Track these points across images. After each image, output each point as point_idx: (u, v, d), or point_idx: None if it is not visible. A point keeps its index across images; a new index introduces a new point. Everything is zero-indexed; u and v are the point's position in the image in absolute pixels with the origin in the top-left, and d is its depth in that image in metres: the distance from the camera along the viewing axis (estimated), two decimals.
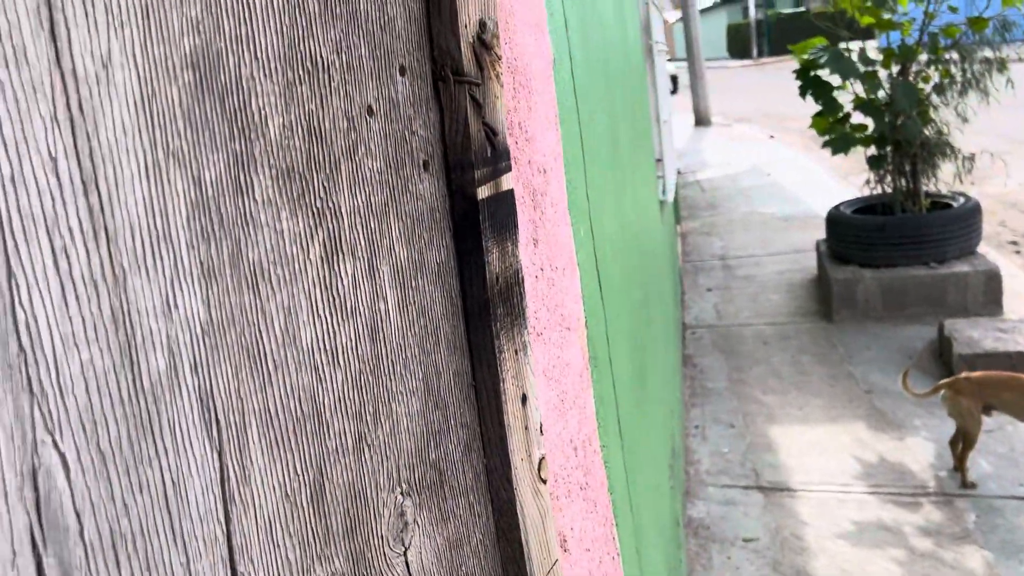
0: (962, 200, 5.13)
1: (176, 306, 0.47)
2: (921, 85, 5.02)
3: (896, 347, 4.53)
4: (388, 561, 0.64)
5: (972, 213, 4.97)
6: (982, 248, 5.21)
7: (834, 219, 5.25)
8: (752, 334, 5.04)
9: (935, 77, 5.00)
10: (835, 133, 5.10)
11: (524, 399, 0.81)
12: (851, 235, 5.05)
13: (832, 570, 2.79)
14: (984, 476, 3.24)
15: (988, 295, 4.73)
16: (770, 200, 8.61)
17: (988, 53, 4.79)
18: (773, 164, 10.64)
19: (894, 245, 4.91)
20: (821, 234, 5.70)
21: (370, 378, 0.64)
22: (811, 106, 5.29)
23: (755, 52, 39.02)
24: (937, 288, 4.79)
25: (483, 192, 0.75)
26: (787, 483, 3.36)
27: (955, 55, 4.86)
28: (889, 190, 5.24)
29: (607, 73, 1.69)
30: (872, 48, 5.41)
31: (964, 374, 3.30)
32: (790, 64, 5.20)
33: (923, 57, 5.04)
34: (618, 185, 1.75)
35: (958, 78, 4.85)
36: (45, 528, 0.40)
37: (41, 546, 0.40)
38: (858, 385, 4.16)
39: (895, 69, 5.05)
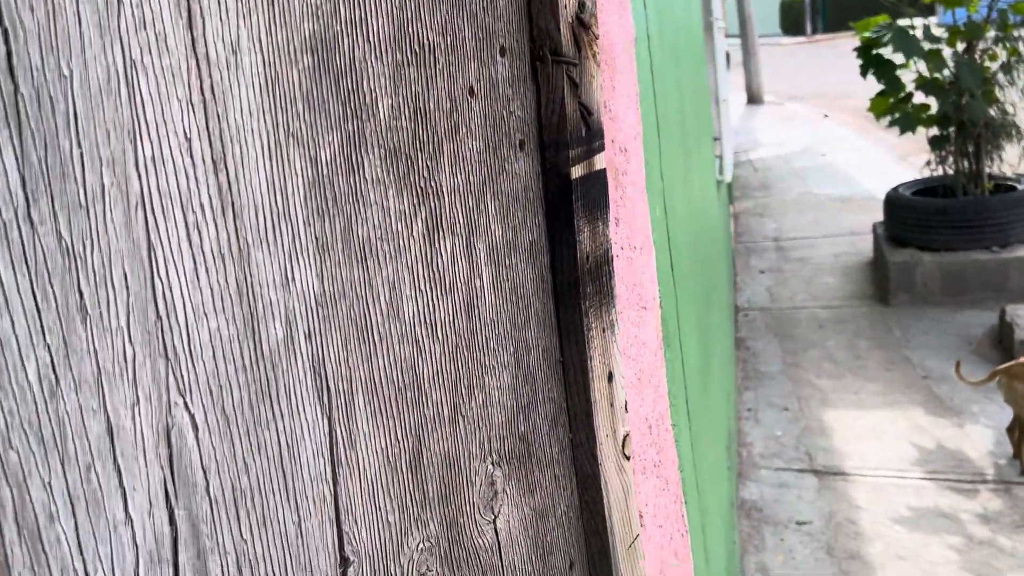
0: None
1: (293, 279, 0.49)
2: (987, 64, 4.87)
3: (955, 332, 4.43)
4: (479, 528, 0.66)
5: None
6: None
7: (893, 201, 5.14)
8: (806, 317, 4.97)
9: (1002, 56, 4.83)
10: (898, 112, 4.97)
11: (611, 376, 0.82)
12: (910, 217, 4.94)
13: (888, 556, 2.76)
14: None
15: None
16: (825, 181, 8.45)
17: None
18: (827, 144, 10.42)
19: (955, 228, 4.78)
20: (878, 216, 5.58)
21: (465, 352, 0.66)
22: (868, 85, 5.17)
23: (809, 29, 38.07)
24: (999, 272, 4.67)
25: (577, 171, 0.75)
26: (841, 467, 3.33)
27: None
28: (951, 172, 5.10)
29: (676, 51, 1.68)
30: (935, 25, 5.25)
31: (1019, 360, 3.23)
32: (845, 41, 5.09)
33: (990, 35, 4.87)
34: (686, 165, 1.75)
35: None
36: (177, 483, 0.43)
37: (173, 499, 0.42)
38: (915, 370, 4.08)
39: (960, 47, 4.90)
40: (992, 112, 4.92)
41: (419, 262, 0.61)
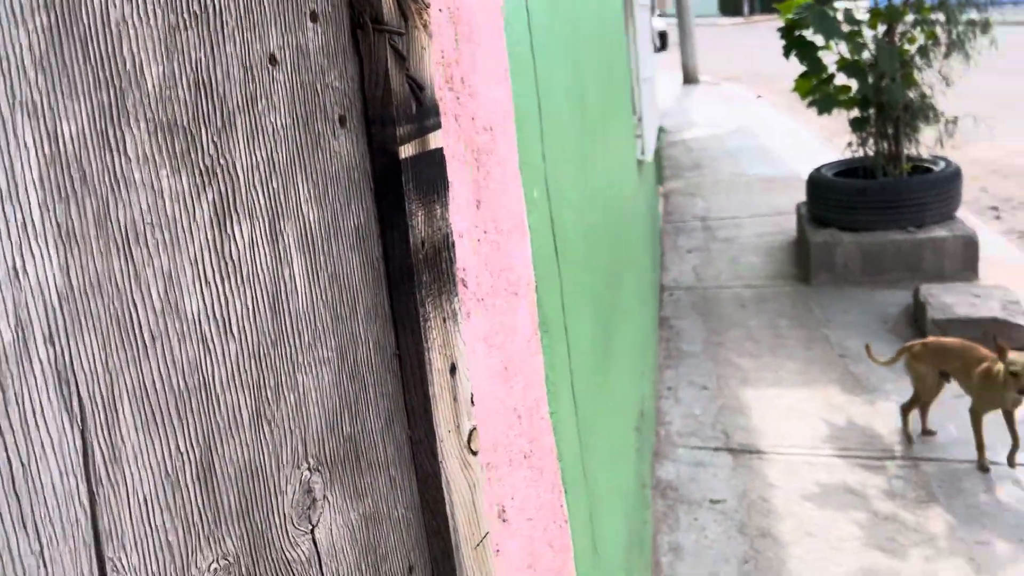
0: (943, 165, 5.10)
1: (25, 271, 0.43)
2: (906, 47, 4.96)
3: (873, 311, 4.53)
4: (292, 540, 0.61)
5: (952, 178, 4.94)
6: (962, 213, 5.20)
7: (815, 182, 5.22)
8: (730, 296, 5.03)
9: (920, 39, 4.93)
10: (819, 93, 5.04)
11: (453, 369, 0.78)
12: (831, 198, 5.03)
13: (797, 532, 2.81)
14: (952, 441, 3.26)
15: (965, 261, 4.74)
16: (755, 161, 8.56)
17: (974, 14, 4.72)
18: (760, 124, 10.57)
19: (874, 209, 4.89)
20: (803, 196, 5.67)
21: (270, 349, 0.60)
22: (798, 66, 5.22)
23: (746, 9, 38.54)
24: (915, 253, 4.79)
25: (407, 150, 0.70)
26: (757, 446, 3.38)
27: (941, 16, 4.78)
28: (871, 153, 5.20)
29: (575, 27, 1.63)
30: (862, 8, 5.32)
31: (922, 340, 3.32)
32: (780, 23, 5.11)
33: (909, 18, 4.96)
34: (584, 144, 1.70)
35: (943, 40, 4.78)
36: None
37: None
38: (833, 349, 4.17)
39: (881, 30, 4.98)
40: (911, 95, 5.02)
41: (206, 250, 0.55)
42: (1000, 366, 2.93)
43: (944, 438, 3.28)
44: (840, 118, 5.83)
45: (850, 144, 5.35)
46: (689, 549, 2.78)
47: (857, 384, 3.80)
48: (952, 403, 3.52)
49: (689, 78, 16.10)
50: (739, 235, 6.15)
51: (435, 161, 0.74)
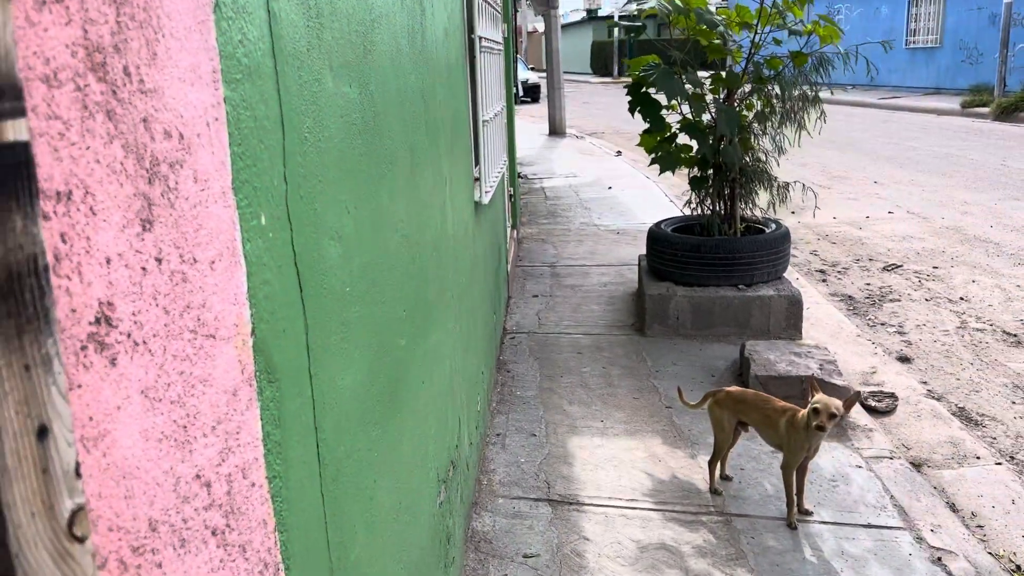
0: (773, 227, 5.33)
1: None
2: (744, 112, 5.18)
3: (701, 364, 4.62)
4: None
5: (781, 240, 5.17)
6: (793, 275, 5.45)
7: (654, 236, 5.33)
8: (568, 343, 5.02)
9: (757, 106, 5.17)
10: (662, 151, 5.18)
11: (43, 432, 0.60)
12: (668, 252, 5.14)
13: None
14: (765, 497, 3.31)
15: (789, 319, 4.93)
16: (607, 213, 8.76)
17: (806, 88, 5.00)
18: (616, 178, 10.87)
19: (708, 265, 5.03)
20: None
21: None
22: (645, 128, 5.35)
23: (616, 70, 40.22)
24: (744, 310, 4.95)
25: None
26: (577, 496, 3.30)
27: (776, 88, 5.03)
28: (709, 212, 5.37)
29: (364, 47, 1.50)
30: (705, 73, 5.54)
31: (726, 388, 3.40)
32: (624, 85, 5.24)
33: (748, 87, 5.20)
34: (373, 177, 1.57)
35: (778, 109, 5.03)
36: None
37: None
38: (661, 399, 4.20)
39: (722, 95, 5.19)
40: (747, 159, 5.24)
41: None
42: (803, 412, 3.02)
43: (757, 495, 3.33)
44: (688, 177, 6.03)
45: (689, 202, 5.51)
46: None
47: (680, 436, 3.82)
48: (768, 458, 3.59)
49: (555, 130, 16.48)
50: (584, 283, 6.20)
51: (12, 157, 0.57)
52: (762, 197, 5.44)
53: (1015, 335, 5.19)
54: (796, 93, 5.05)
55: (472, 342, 3.34)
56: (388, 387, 1.66)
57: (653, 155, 5.26)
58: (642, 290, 5.23)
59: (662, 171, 5.27)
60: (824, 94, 5.06)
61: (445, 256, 2.58)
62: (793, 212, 7.17)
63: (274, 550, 1.02)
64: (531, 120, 19.54)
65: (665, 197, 9.39)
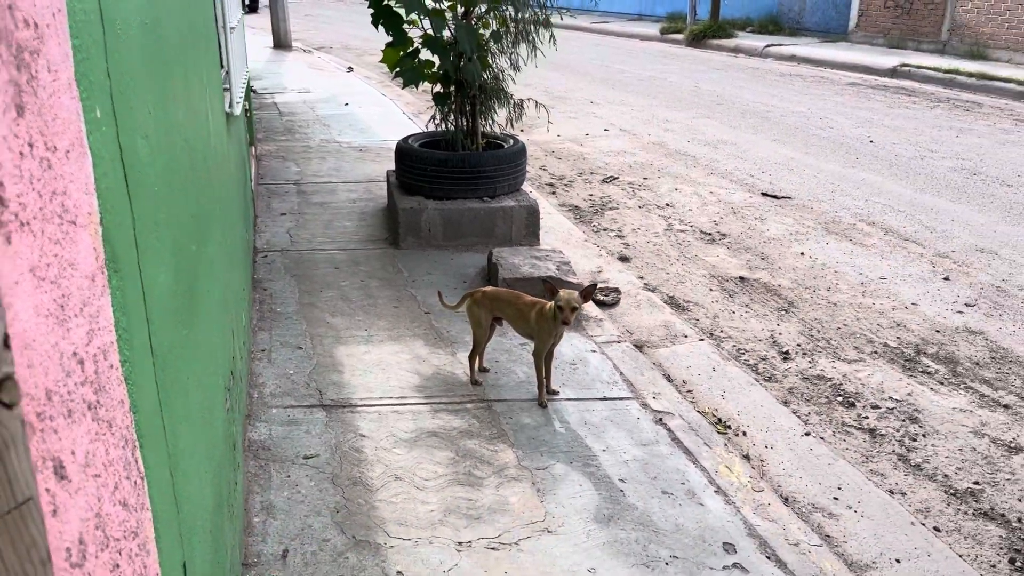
0: (511, 142, 5.70)
1: None
2: (482, 31, 5.41)
3: (454, 272, 4.92)
4: None
5: (519, 154, 5.56)
6: (527, 187, 5.88)
7: (402, 151, 5.48)
8: (324, 259, 5.07)
9: (493, 25, 5.42)
10: (405, 66, 5.28)
11: None
12: (417, 167, 5.32)
13: (386, 477, 2.96)
14: (518, 383, 3.70)
15: (528, 228, 5.38)
16: (347, 130, 8.69)
17: (537, 10, 5.33)
18: (351, 95, 10.73)
19: (453, 179, 5.29)
20: (392, 165, 5.91)
21: None
22: (388, 42, 5.39)
23: None
24: (489, 220, 5.31)
25: None
26: (350, 400, 3.47)
27: (510, 8, 5.31)
28: (452, 127, 5.60)
29: None
30: None
31: (481, 289, 3.73)
32: None
33: (484, 6, 5.42)
34: (161, 76, 1.56)
35: (512, 29, 5.32)
36: None
37: None
38: (419, 307, 4.44)
39: (460, 12, 5.37)
40: (486, 76, 5.50)
41: None
42: (550, 304, 3.42)
43: (512, 382, 3.71)
44: (424, 96, 6.16)
45: (433, 118, 5.70)
46: (281, 507, 2.76)
47: (440, 337, 4.10)
48: (519, 351, 3.99)
49: (280, 43, 15.70)
50: (333, 200, 6.21)
51: None
52: (500, 114, 5.77)
53: (710, 234, 6.09)
54: (527, 15, 5.37)
55: (234, 256, 3.31)
56: (188, 290, 1.70)
57: (396, 69, 5.35)
58: (394, 204, 5.38)
59: (405, 85, 5.39)
60: (555, 18, 5.43)
61: (211, 165, 2.54)
62: (522, 130, 7.65)
63: (131, 428, 1.09)
64: (252, 32, 18.35)
65: (403, 115, 9.49)
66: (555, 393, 3.63)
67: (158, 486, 1.21)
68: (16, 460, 0.70)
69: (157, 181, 1.40)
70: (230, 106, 3.51)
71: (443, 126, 5.67)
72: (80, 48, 0.97)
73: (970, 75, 12.23)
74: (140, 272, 1.21)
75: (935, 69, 12.79)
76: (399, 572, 2.48)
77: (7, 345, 0.70)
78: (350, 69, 13.36)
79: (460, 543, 2.62)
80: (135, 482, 1.09)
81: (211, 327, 2.11)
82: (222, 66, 3.44)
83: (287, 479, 2.90)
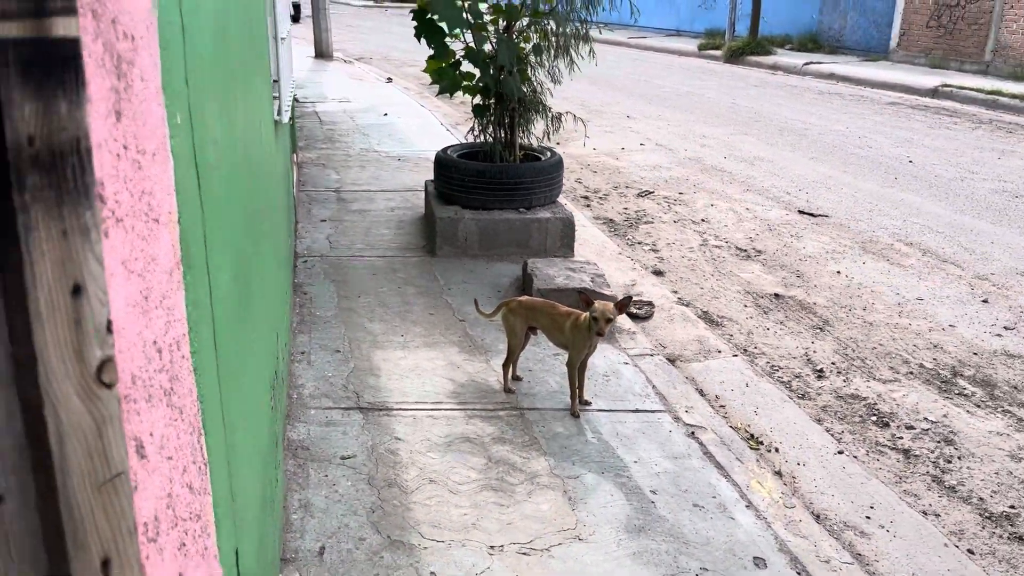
0: (549, 155, 5.76)
1: None
2: (523, 44, 5.49)
3: (488, 281, 4.98)
4: None
5: (556, 167, 5.62)
6: (562, 199, 5.93)
7: (441, 161, 5.56)
8: (362, 265, 5.16)
9: (534, 38, 5.50)
10: (445, 77, 5.37)
11: (77, 289, 0.71)
12: (455, 177, 5.40)
13: (421, 480, 3.01)
14: (551, 393, 3.74)
15: (563, 239, 5.42)
16: (385, 139, 8.82)
17: (578, 25, 5.39)
18: (390, 105, 10.89)
19: (491, 190, 5.36)
20: (430, 175, 6.00)
21: None
22: (428, 54, 5.50)
23: None
24: (524, 231, 5.36)
25: (11, 29, 0.62)
26: (386, 403, 3.53)
27: (552, 23, 5.38)
28: (491, 139, 5.68)
29: None
30: (488, 3, 5.75)
31: (517, 298, 3.78)
32: (410, 11, 5.34)
33: (526, 20, 5.50)
34: (226, 86, 1.64)
35: (553, 43, 5.39)
36: None
37: None
38: (455, 314, 4.50)
39: (501, 25, 5.45)
40: (525, 89, 5.58)
41: None
42: (585, 315, 3.46)
43: (545, 391, 3.75)
44: (462, 108, 6.25)
45: (472, 129, 5.78)
46: (319, 505, 2.83)
47: (474, 345, 4.15)
48: (552, 360, 4.03)
49: (321, 53, 15.98)
50: (372, 208, 6.32)
51: (61, 52, 0.67)
52: (538, 126, 5.83)
53: (745, 250, 6.09)
54: (568, 30, 5.44)
55: (279, 259, 3.40)
56: (244, 290, 1.77)
57: (436, 79, 5.44)
58: (431, 213, 5.46)
59: (440, 93, 5.49)
60: (594, 32, 5.50)
61: (263, 170, 2.63)
62: (558, 143, 7.71)
63: (197, 416, 1.15)
64: (294, 42, 18.73)
65: (441, 126, 9.60)
66: (588, 404, 3.66)
67: (218, 474, 1.27)
68: (112, 436, 0.76)
69: (221, 184, 1.48)
70: (278, 114, 3.61)
71: (481, 138, 5.74)
72: (166, 60, 1.04)
73: (1013, 96, 12.07)
74: (208, 269, 1.28)
75: (977, 90, 12.64)
76: (432, 573, 2.53)
77: (109, 330, 0.76)
78: (389, 80, 13.55)
79: (492, 547, 2.67)
80: (200, 467, 1.15)
81: (261, 327, 2.18)
82: (272, 76, 3.55)
83: (325, 478, 2.97)
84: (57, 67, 0.67)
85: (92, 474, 0.75)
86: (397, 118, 10.03)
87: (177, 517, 1.03)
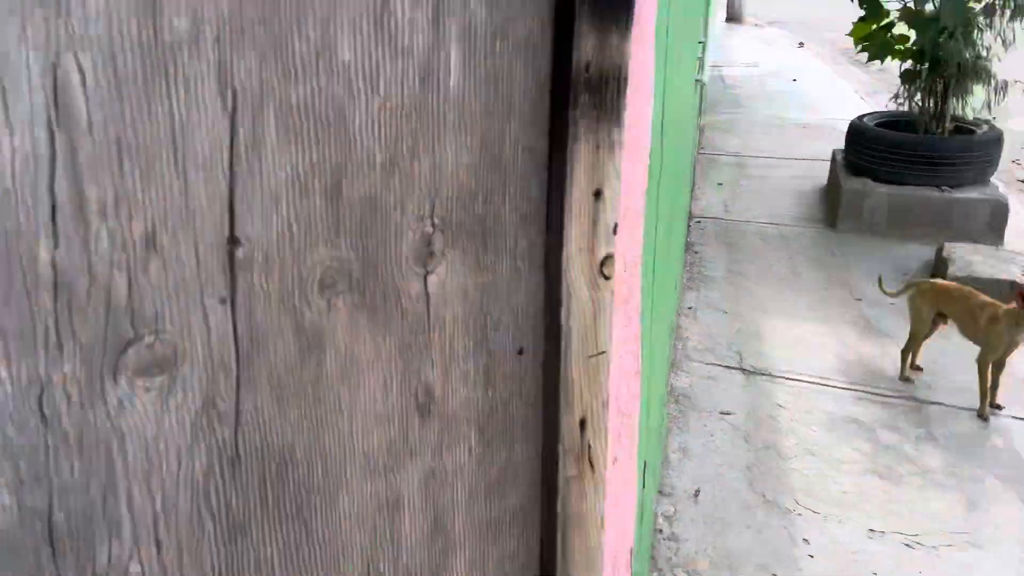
0: (985, 128, 5.10)
1: None
2: (971, 3, 4.89)
3: (893, 262, 4.62)
4: (403, 273, 0.70)
5: (993, 143, 4.96)
6: (995, 180, 5.23)
7: (856, 129, 5.23)
8: (755, 231, 5.11)
9: None
10: (874, 40, 5.01)
11: (598, 194, 0.86)
12: (869, 147, 5.05)
13: (799, 450, 2.97)
14: (955, 389, 3.40)
15: (991, 225, 4.80)
16: (792, 106, 8.50)
17: None
18: (799, 71, 10.42)
19: (909, 163, 4.92)
20: (838, 144, 5.68)
21: (414, 117, 0.67)
22: (847, 20, 5.17)
23: None
24: (943, 211, 4.85)
25: None
26: (768, 369, 3.52)
27: None
28: (916, 108, 5.19)
29: None
30: None
31: (930, 279, 3.43)
32: None
33: None
34: (678, 45, 1.76)
35: (1012, 1, 4.72)
36: (59, 110, 0.47)
37: (54, 123, 0.47)
38: (851, 293, 4.27)
39: None
40: (967, 54, 4.98)
41: (365, 17, 0.62)
42: (1007, 308, 3.06)
43: (948, 385, 3.42)
44: (880, 76, 5.72)
45: (895, 96, 5.33)
46: (696, 451, 2.95)
47: (870, 327, 3.92)
48: (960, 354, 3.65)
49: (733, 16, 15.75)
50: (771, 175, 6.19)
51: None
52: (976, 96, 5.18)
53: None
54: None
55: (678, 211, 3.54)
56: (667, 233, 1.91)
57: (863, 44, 5.09)
58: (837, 183, 5.20)
59: (870, 59, 5.12)
60: None
61: (685, 127, 2.75)
62: (995, 117, 6.73)
63: (638, 332, 1.30)
64: None
65: (854, 93, 8.97)
66: (999, 407, 3.26)
67: (643, 386, 1.43)
68: (603, 319, 0.92)
69: (669, 130, 1.61)
70: (700, 74, 3.71)
71: (906, 106, 5.27)
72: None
73: None
74: (657, 206, 1.42)
75: None
76: (805, 540, 2.51)
77: (615, 231, 0.91)
78: (801, 44, 12.94)
79: (872, 530, 2.55)
80: (635, 373, 1.30)
81: (670, 276, 2.32)
82: (700, 37, 3.65)
83: (703, 428, 3.08)
84: (615, 5, 0.82)
85: (583, 349, 0.91)
86: (806, 84, 9.59)
87: (621, 412, 1.19)
